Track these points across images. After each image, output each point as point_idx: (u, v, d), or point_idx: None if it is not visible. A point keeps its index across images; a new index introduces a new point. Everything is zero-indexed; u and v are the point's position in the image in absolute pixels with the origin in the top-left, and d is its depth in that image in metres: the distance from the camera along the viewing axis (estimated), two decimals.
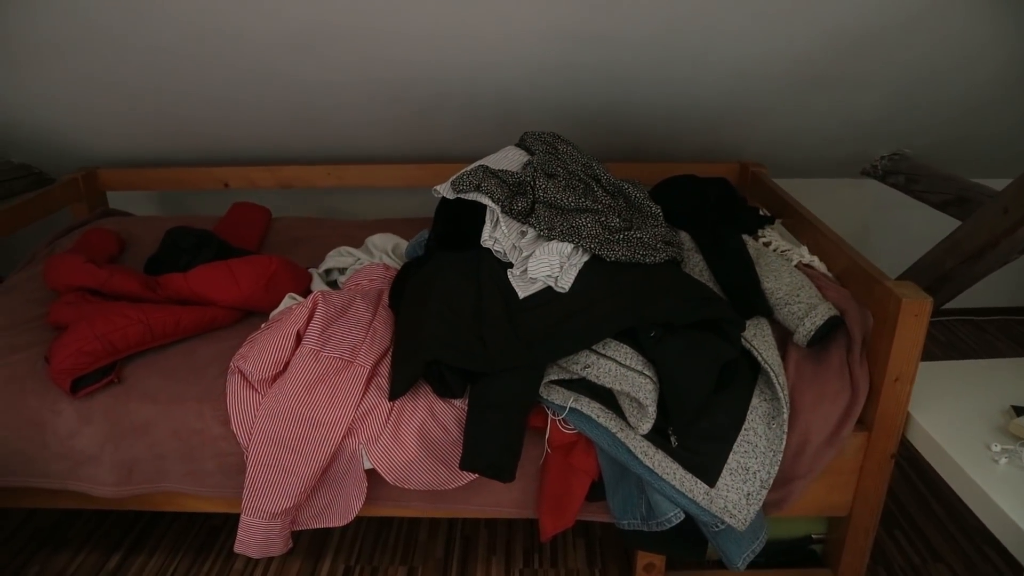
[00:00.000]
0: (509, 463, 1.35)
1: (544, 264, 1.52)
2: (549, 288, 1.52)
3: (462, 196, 1.60)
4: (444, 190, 1.64)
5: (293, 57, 1.82)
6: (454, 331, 1.42)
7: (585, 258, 1.55)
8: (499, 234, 1.58)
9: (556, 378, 1.41)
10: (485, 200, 1.58)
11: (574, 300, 1.47)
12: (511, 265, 1.60)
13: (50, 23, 1.69)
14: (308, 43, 1.76)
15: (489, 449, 1.34)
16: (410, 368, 1.40)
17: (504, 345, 1.40)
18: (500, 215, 1.58)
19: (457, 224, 1.70)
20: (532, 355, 1.38)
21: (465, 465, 1.36)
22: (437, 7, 1.63)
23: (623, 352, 1.38)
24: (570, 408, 1.36)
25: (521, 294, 1.51)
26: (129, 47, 1.79)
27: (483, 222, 1.62)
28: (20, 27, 1.71)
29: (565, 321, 1.42)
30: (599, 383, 1.36)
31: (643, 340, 1.39)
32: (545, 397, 1.39)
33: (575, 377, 1.40)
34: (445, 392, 1.41)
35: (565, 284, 1.51)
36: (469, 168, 1.66)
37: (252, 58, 1.83)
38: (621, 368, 1.35)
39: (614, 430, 1.34)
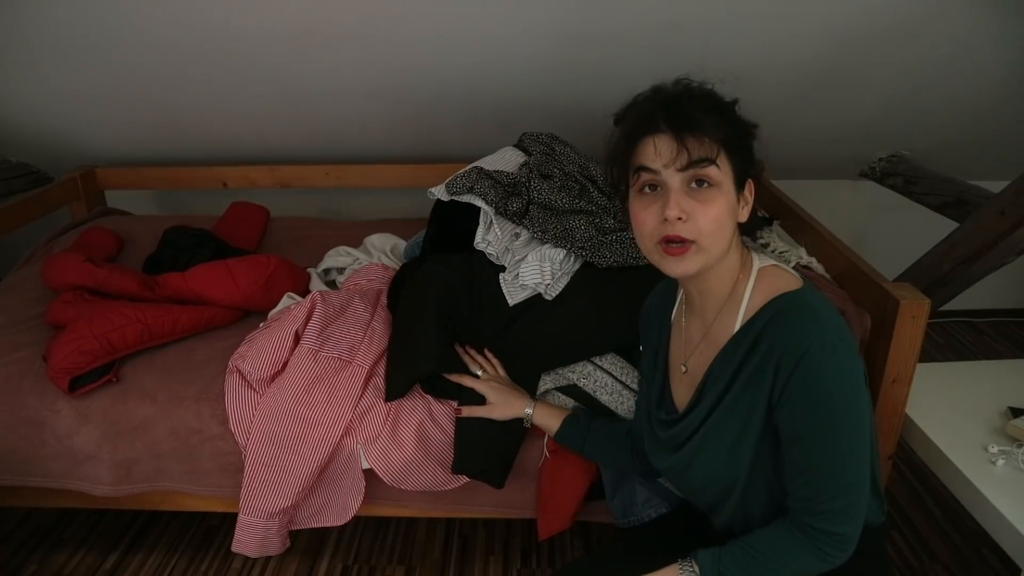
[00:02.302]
0: (499, 468, 1.35)
1: (535, 270, 1.51)
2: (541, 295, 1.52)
3: (456, 198, 1.60)
4: (439, 192, 1.64)
5: (293, 57, 1.82)
6: (450, 337, 1.42)
7: (577, 265, 1.55)
8: (492, 236, 1.57)
9: (552, 386, 1.41)
10: (478, 202, 1.58)
11: (567, 310, 1.47)
12: (504, 268, 1.59)
13: (49, 23, 1.69)
14: (308, 43, 1.76)
15: (479, 454, 1.35)
16: (408, 371, 1.40)
17: (499, 357, 1.42)
18: (493, 217, 1.58)
19: (451, 226, 1.70)
20: (525, 366, 1.40)
21: (456, 469, 1.36)
22: (437, 8, 1.63)
23: (619, 366, 1.40)
24: None
25: (511, 301, 1.51)
26: (128, 46, 1.78)
27: (477, 224, 1.61)
28: (19, 27, 1.71)
29: (559, 333, 1.43)
30: (595, 396, 1.37)
31: (635, 352, 1.40)
32: None
33: (570, 384, 1.40)
34: (441, 393, 1.41)
35: (554, 293, 1.51)
36: (463, 170, 1.66)
37: (252, 57, 1.83)
38: (616, 383, 1.37)
39: None
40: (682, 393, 1.07)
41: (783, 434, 0.93)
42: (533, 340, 1.44)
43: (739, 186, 0.94)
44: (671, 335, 1.11)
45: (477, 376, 1.38)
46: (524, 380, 1.40)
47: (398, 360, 1.45)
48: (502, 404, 1.34)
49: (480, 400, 1.36)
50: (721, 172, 0.90)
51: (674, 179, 0.90)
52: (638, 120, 0.94)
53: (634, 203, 0.96)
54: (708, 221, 0.90)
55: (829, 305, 0.94)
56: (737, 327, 0.96)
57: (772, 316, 0.92)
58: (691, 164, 0.89)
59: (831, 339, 0.88)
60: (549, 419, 1.32)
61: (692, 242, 0.91)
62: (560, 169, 1.70)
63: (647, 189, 0.94)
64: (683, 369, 1.06)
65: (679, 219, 0.90)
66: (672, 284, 1.13)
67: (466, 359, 1.42)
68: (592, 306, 1.45)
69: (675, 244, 0.91)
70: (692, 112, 0.90)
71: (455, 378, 1.37)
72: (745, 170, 0.95)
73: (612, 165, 1.00)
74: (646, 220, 0.94)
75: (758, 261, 0.99)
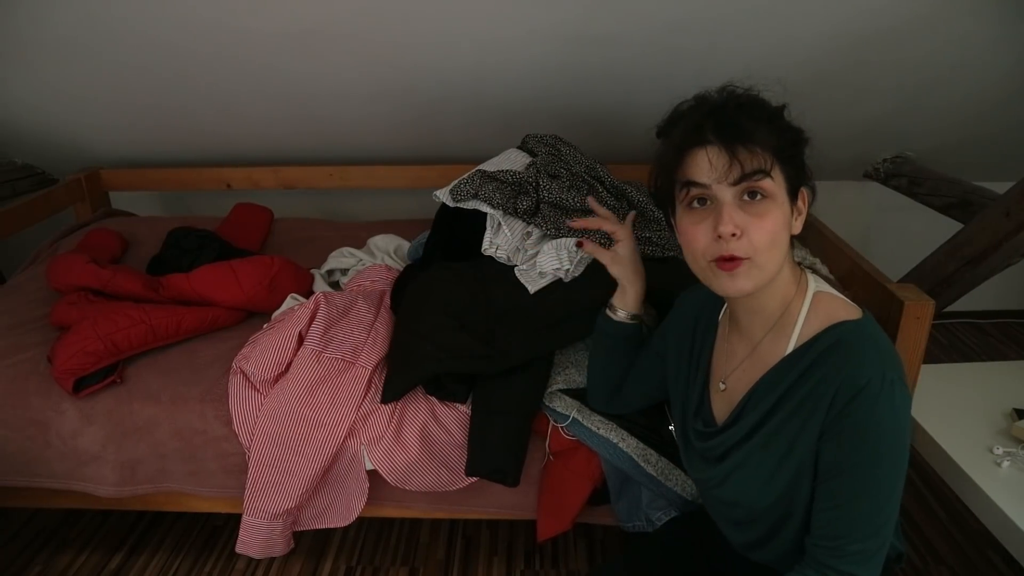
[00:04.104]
0: (514, 468, 1.35)
1: (552, 258, 1.51)
2: (551, 289, 1.52)
3: (461, 205, 1.60)
4: (444, 196, 1.64)
5: (297, 58, 1.83)
6: (453, 341, 1.41)
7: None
8: (501, 239, 1.57)
9: (562, 387, 1.41)
10: (484, 208, 1.57)
11: (575, 299, 1.47)
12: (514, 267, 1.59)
13: (54, 24, 1.70)
14: (312, 45, 1.77)
15: (494, 454, 1.34)
16: (407, 376, 1.40)
17: (514, 341, 1.41)
18: (502, 219, 1.57)
19: (457, 231, 1.69)
20: (551, 339, 1.40)
21: (470, 471, 1.36)
22: (441, 9, 1.64)
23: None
24: (572, 419, 1.36)
25: (532, 289, 1.50)
26: (132, 49, 1.79)
27: (483, 228, 1.61)
28: (24, 28, 1.71)
29: (565, 320, 1.43)
30: None
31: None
32: (548, 405, 1.39)
33: (579, 387, 1.40)
34: (447, 397, 1.41)
35: (572, 277, 1.50)
36: (466, 175, 1.65)
37: (256, 59, 1.83)
38: None
39: (615, 440, 1.33)
40: (720, 407, 1.04)
41: (823, 465, 0.90)
42: (558, 314, 1.43)
43: (792, 196, 0.91)
44: (714, 346, 1.08)
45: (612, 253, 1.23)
46: (540, 374, 1.41)
47: (399, 362, 1.45)
48: (631, 283, 1.20)
49: None
50: (775, 184, 0.87)
51: (726, 193, 0.87)
52: (684, 132, 0.90)
53: (683, 219, 0.92)
54: (763, 235, 0.87)
55: (887, 339, 0.92)
56: (789, 350, 0.93)
57: (832, 344, 0.89)
58: (744, 177, 0.85)
59: (891, 376, 0.85)
60: (639, 308, 1.23)
61: (747, 259, 0.87)
62: (567, 169, 1.70)
63: (696, 204, 0.90)
64: (721, 387, 1.04)
65: (733, 235, 0.86)
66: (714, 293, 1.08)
67: (601, 212, 1.27)
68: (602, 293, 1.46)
69: (729, 260, 0.88)
70: (742, 121, 0.86)
71: (591, 248, 1.24)
72: (797, 179, 0.91)
73: (657, 179, 0.96)
74: (697, 237, 0.90)
75: (814, 284, 0.96)
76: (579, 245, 1.23)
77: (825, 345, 0.90)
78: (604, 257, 1.20)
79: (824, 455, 0.89)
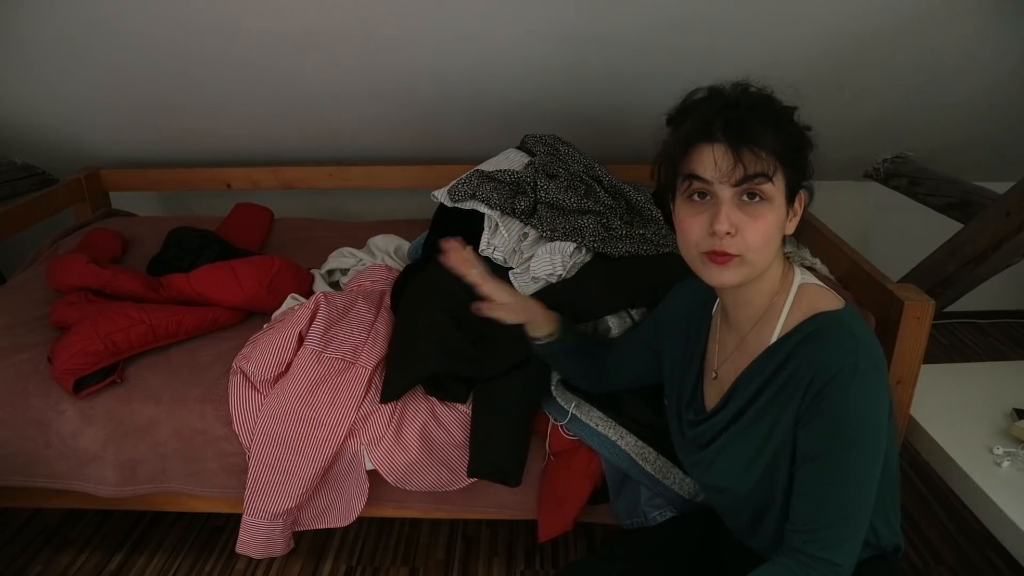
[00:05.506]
0: (516, 468, 1.35)
1: (546, 263, 1.51)
2: (541, 295, 1.52)
3: (458, 205, 1.60)
4: (442, 196, 1.63)
5: (297, 59, 1.83)
6: (451, 340, 1.42)
7: (587, 257, 1.55)
8: (498, 240, 1.57)
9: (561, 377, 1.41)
10: (482, 208, 1.57)
11: (575, 280, 1.47)
12: (509, 270, 1.59)
13: (55, 24, 1.70)
14: (312, 45, 1.77)
15: (496, 454, 1.34)
16: (406, 376, 1.40)
17: (501, 347, 1.41)
18: (499, 220, 1.57)
19: (454, 232, 1.69)
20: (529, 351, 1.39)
21: (472, 471, 1.35)
22: (440, 9, 1.64)
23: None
24: (571, 415, 1.36)
25: (525, 294, 1.51)
26: (132, 49, 1.79)
27: (481, 229, 1.61)
28: (25, 28, 1.72)
29: (569, 299, 1.43)
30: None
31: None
32: (548, 395, 1.39)
33: None
34: (447, 397, 1.41)
35: None
36: (464, 175, 1.65)
37: (256, 59, 1.83)
38: None
39: (614, 438, 1.34)
40: (711, 395, 1.07)
41: (798, 451, 0.92)
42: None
43: (790, 199, 0.92)
44: (708, 339, 1.11)
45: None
46: (540, 374, 1.40)
47: (399, 361, 1.45)
48: (529, 315, 1.24)
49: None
50: (774, 187, 0.88)
51: (726, 192, 0.88)
52: (693, 126, 0.91)
53: (681, 209, 0.94)
54: (756, 236, 0.89)
55: (868, 329, 0.93)
56: (773, 340, 0.96)
57: (809, 333, 0.92)
58: (745, 179, 0.87)
59: (865, 365, 0.86)
60: (552, 325, 1.27)
61: (738, 256, 0.90)
62: (565, 169, 1.70)
63: (696, 197, 0.92)
64: (714, 375, 1.07)
65: (728, 233, 0.88)
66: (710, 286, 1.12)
67: (455, 256, 1.21)
68: (600, 273, 1.46)
69: (720, 255, 0.90)
70: (750, 124, 0.87)
71: (487, 310, 1.19)
72: (798, 182, 0.93)
73: (662, 166, 0.98)
74: (692, 228, 0.92)
75: (799, 277, 0.99)
76: (477, 311, 1.21)
77: (804, 334, 0.92)
78: (494, 314, 1.20)
79: (799, 441, 0.92)
